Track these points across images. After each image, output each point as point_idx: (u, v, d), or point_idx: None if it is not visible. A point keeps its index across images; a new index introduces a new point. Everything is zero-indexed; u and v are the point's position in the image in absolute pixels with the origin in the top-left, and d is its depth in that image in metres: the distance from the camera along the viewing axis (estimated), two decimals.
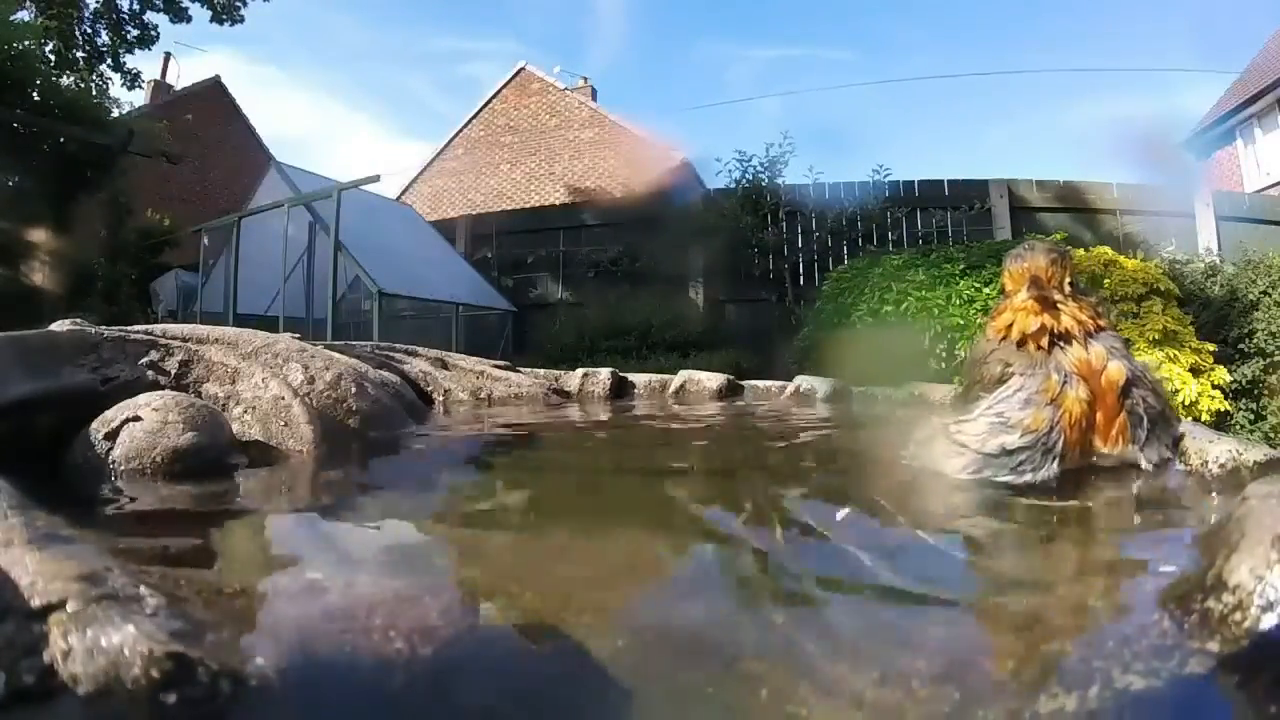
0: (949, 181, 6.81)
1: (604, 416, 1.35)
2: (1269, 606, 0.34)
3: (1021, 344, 0.78)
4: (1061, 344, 0.76)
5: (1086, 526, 0.59)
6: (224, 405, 0.88)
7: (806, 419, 1.28)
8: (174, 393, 0.79)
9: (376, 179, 6.26)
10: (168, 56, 13.30)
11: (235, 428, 0.84)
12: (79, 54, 8.37)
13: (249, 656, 0.31)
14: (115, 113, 7.37)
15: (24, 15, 6.84)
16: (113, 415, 0.73)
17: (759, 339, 6.17)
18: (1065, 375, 0.73)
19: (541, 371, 1.60)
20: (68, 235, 6.82)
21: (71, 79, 7.63)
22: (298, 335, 1.17)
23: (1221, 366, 3.69)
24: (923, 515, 0.65)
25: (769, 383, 1.62)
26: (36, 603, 0.30)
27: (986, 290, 3.79)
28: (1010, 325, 0.79)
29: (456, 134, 14.65)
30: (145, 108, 11.02)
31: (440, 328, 6.80)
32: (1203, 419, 3.43)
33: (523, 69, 14.57)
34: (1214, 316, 4.33)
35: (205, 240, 7.35)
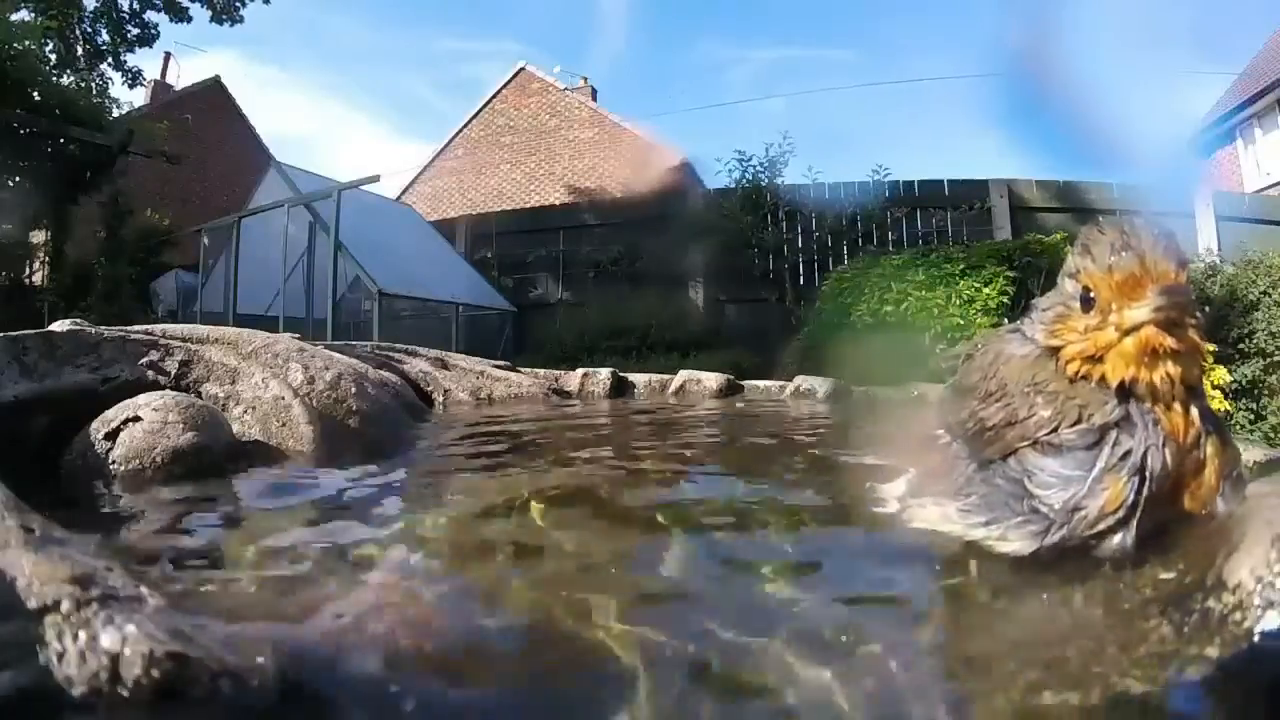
0: (949, 181, 6.81)
1: (604, 416, 1.35)
2: (1269, 606, 0.34)
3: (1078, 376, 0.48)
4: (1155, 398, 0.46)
5: None
6: (224, 405, 0.88)
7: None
8: (174, 393, 0.79)
9: (376, 179, 6.27)
10: (168, 56, 13.30)
11: (235, 428, 0.85)
12: (79, 53, 8.37)
13: (249, 656, 0.31)
14: (115, 113, 7.38)
15: (24, 15, 6.85)
16: (113, 415, 0.73)
17: (759, 339, 6.16)
18: (1156, 439, 0.45)
19: (541, 371, 1.60)
20: (68, 235, 6.83)
21: (72, 79, 7.64)
22: (298, 335, 1.17)
23: (1221, 366, 3.69)
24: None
25: (769, 382, 1.62)
26: (35, 603, 0.30)
27: (986, 290, 3.78)
28: (1095, 359, 0.47)
29: (456, 134, 14.65)
30: (145, 108, 11.03)
31: (440, 328, 6.80)
32: None
33: (523, 69, 14.56)
34: (1214, 316, 4.33)
35: (205, 240, 7.35)
